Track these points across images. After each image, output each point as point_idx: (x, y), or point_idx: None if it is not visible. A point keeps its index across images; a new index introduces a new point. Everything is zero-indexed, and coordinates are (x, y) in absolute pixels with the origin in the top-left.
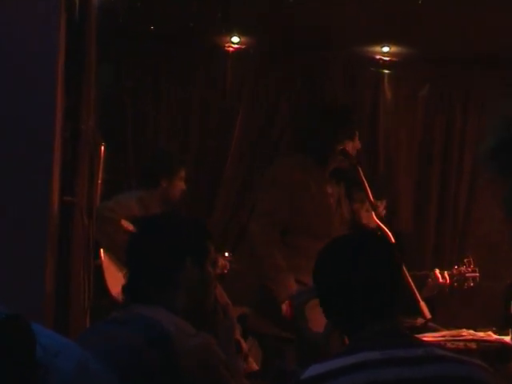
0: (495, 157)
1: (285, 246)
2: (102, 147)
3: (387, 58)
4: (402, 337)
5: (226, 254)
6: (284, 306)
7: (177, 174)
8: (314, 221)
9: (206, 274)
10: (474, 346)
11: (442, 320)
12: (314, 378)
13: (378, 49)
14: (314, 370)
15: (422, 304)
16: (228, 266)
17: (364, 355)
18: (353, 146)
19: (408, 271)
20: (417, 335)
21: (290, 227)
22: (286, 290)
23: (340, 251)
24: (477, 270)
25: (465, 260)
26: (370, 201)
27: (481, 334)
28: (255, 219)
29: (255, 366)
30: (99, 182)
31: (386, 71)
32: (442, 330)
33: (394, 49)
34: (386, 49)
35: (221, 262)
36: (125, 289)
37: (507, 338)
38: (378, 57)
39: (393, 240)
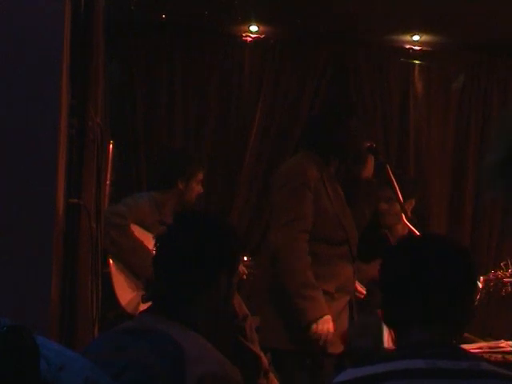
0: (506, 173)
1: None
2: (111, 145)
3: (418, 48)
4: (449, 347)
5: (245, 259)
6: (317, 326)
7: (195, 175)
8: (335, 226)
9: (232, 288)
10: None
11: (479, 330)
12: (349, 383)
13: (407, 38)
14: (350, 374)
15: None
16: (246, 272)
17: (406, 363)
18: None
19: None
20: None
21: (312, 235)
22: (319, 310)
23: (415, 248)
24: None
25: (502, 264)
26: (399, 202)
27: None
28: (278, 228)
29: (276, 383)
30: (107, 183)
31: (417, 62)
32: (478, 341)
33: (424, 37)
34: (416, 37)
35: (239, 268)
36: (148, 297)
37: None
38: (407, 46)
39: None
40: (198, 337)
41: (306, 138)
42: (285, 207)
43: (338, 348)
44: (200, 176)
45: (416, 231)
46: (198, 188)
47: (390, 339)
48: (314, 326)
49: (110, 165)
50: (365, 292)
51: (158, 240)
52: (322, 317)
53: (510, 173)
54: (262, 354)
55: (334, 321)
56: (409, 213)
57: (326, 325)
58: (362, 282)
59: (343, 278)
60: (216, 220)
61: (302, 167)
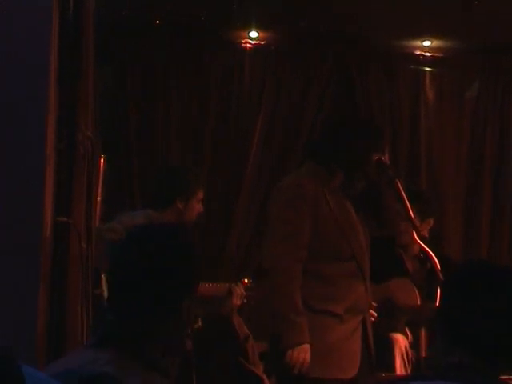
0: None
1: (305, 273)
2: (102, 160)
3: (428, 54)
4: (488, 377)
5: (246, 281)
6: (292, 353)
7: (195, 194)
8: (339, 241)
9: (190, 316)
10: None
11: None
12: None
13: (417, 43)
14: None
15: None
16: (245, 295)
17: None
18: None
19: None
20: None
21: (312, 250)
22: (298, 337)
23: (478, 277)
24: None
25: None
26: (410, 219)
27: None
28: (273, 245)
29: None
30: (98, 200)
31: (428, 69)
32: None
33: (436, 43)
34: (427, 43)
35: (238, 290)
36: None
37: None
38: (418, 52)
39: (438, 266)
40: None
41: (308, 149)
42: (280, 221)
43: (349, 372)
44: (200, 195)
45: (429, 250)
46: (198, 207)
47: (401, 366)
48: (289, 352)
49: (100, 181)
50: (376, 314)
51: (111, 262)
52: (299, 344)
53: None
54: (264, 377)
55: (342, 344)
56: (426, 232)
57: (302, 354)
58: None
59: (353, 297)
60: (176, 236)
61: (300, 179)
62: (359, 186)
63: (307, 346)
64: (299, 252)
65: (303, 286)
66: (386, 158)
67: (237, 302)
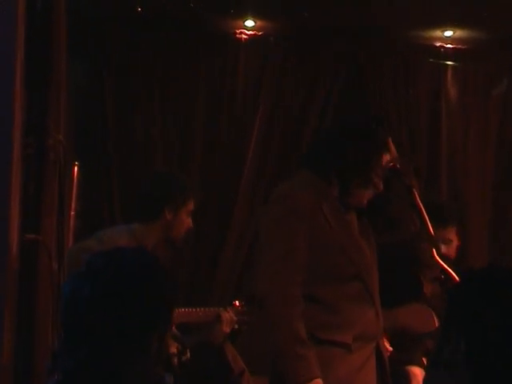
0: None
1: (304, 299)
2: (76, 168)
3: (450, 46)
4: None
5: (237, 303)
6: None
7: (185, 204)
8: (340, 260)
9: (164, 350)
10: None
11: None
12: None
13: (438, 33)
14: None
15: None
16: (236, 319)
17: None
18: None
19: None
20: None
21: (310, 272)
22: (307, 372)
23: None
24: None
25: None
26: (429, 234)
27: None
28: (265, 270)
29: None
30: (72, 213)
31: (450, 62)
32: None
33: (458, 33)
34: (448, 33)
35: (227, 316)
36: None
37: None
38: (438, 44)
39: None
40: None
41: (303, 155)
42: (271, 240)
43: None
44: (190, 206)
45: (451, 271)
46: (187, 221)
47: None
48: None
49: (74, 192)
50: (390, 347)
51: (65, 298)
52: (310, 380)
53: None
54: None
55: (354, 377)
56: (453, 250)
57: None
58: (385, 331)
59: (362, 323)
60: (144, 259)
61: (292, 191)
62: (363, 196)
63: (319, 381)
64: (296, 274)
65: (304, 315)
66: (400, 164)
67: (226, 329)
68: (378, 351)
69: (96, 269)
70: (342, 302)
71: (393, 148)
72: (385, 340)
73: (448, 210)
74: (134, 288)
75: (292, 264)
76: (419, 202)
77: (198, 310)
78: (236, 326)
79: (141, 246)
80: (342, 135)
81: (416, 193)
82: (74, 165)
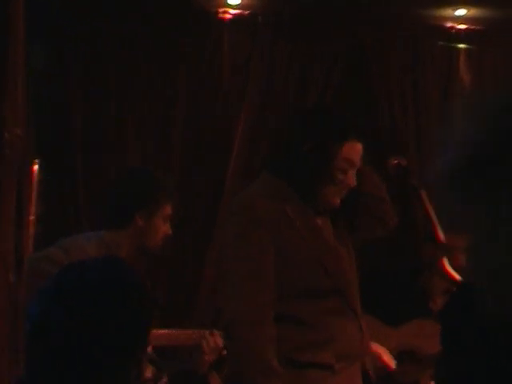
0: (472, 174)
1: (279, 320)
2: (36, 166)
3: (463, 26)
4: None
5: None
6: None
7: (160, 208)
8: (314, 272)
9: (141, 375)
10: None
11: None
12: None
13: (449, 12)
14: None
15: None
16: (221, 346)
17: None
18: (349, 154)
19: None
20: None
21: (281, 290)
22: None
23: None
24: None
25: None
26: (438, 240)
27: None
28: (228, 292)
29: None
30: (31, 218)
31: (462, 46)
32: None
33: (473, 11)
34: (460, 12)
35: (210, 342)
36: None
37: None
38: (449, 24)
39: None
40: None
41: (265, 156)
42: (234, 258)
43: None
44: (168, 210)
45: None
46: (164, 227)
47: None
48: None
49: (34, 193)
50: (394, 365)
51: (30, 321)
52: None
53: (468, 183)
54: None
55: None
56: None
57: None
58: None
59: (344, 339)
60: (122, 276)
61: (252, 200)
62: (330, 195)
63: None
64: (264, 294)
65: (279, 337)
66: (406, 163)
67: (210, 356)
68: (365, 371)
69: (68, 289)
70: (320, 318)
71: (358, 141)
72: (388, 357)
73: None
74: (112, 312)
75: (259, 283)
76: (427, 204)
77: (180, 332)
78: (224, 353)
79: (117, 257)
80: (296, 129)
81: (424, 194)
82: (34, 163)
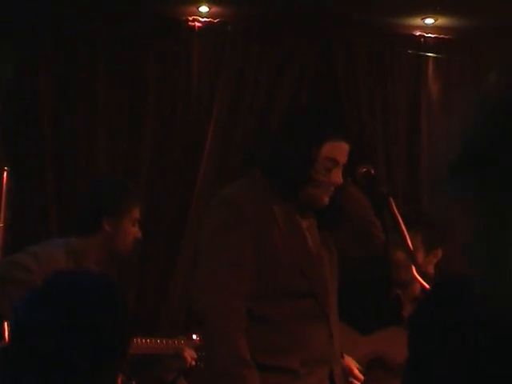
0: (472, 169)
1: (252, 320)
2: (5, 174)
3: (432, 35)
4: None
5: (194, 337)
6: None
7: (127, 212)
8: (290, 272)
9: None
10: None
11: None
12: None
13: (418, 21)
14: None
15: None
16: (195, 357)
17: None
18: (331, 153)
19: None
20: None
21: (257, 289)
22: None
23: None
24: None
25: None
26: (407, 248)
27: None
28: (204, 282)
29: None
30: (0, 225)
31: (431, 54)
32: None
33: (441, 20)
34: (429, 21)
35: (190, 353)
36: None
37: None
38: (418, 33)
39: None
40: None
41: (251, 154)
42: (213, 249)
43: None
44: (135, 213)
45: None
46: (133, 230)
47: None
48: None
49: (3, 201)
50: (362, 376)
51: (13, 327)
52: None
53: (467, 174)
54: None
55: None
56: (431, 268)
57: None
58: (359, 362)
59: (312, 344)
60: (109, 286)
61: (235, 197)
62: (314, 196)
63: None
64: (239, 286)
65: (247, 338)
66: (374, 171)
67: (186, 366)
68: (332, 379)
69: (57, 293)
70: (289, 320)
71: (340, 141)
72: (355, 368)
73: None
74: (98, 319)
75: (235, 275)
76: (397, 213)
77: (150, 341)
78: (193, 363)
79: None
80: (280, 129)
81: (392, 202)
82: (4, 170)
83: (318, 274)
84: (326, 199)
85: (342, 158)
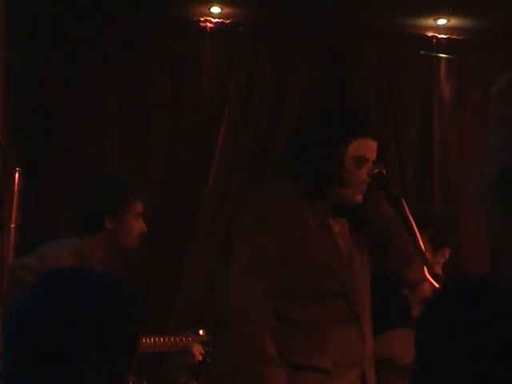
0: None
1: (282, 321)
2: (17, 175)
3: (444, 36)
4: None
5: (201, 333)
6: None
7: (130, 208)
8: (320, 274)
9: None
10: None
11: None
12: None
13: (430, 21)
14: None
15: None
16: (202, 352)
17: None
18: (359, 152)
19: None
20: None
21: (286, 290)
22: None
23: None
24: None
25: None
26: (419, 249)
27: None
28: (233, 287)
29: None
30: (12, 226)
31: (443, 55)
32: None
33: (453, 21)
34: (441, 21)
35: (198, 349)
36: None
37: None
38: (430, 34)
39: None
40: None
41: (283, 159)
42: (238, 251)
43: None
44: (138, 208)
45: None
46: (138, 224)
47: None
48: None
49: (15, 202)
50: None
51: (14, 322)
52: None
53: (508, 195)
54: None
55: None
56: (439, 268)
57: None
58: None
59: (343, 345)
60: (116, 285)
61: (263, 198)
62: (344, 197)
63: None
64: (264, 286)
65: (276, 339)
66: (386, 172)
67: (198, 358)
68: (364, 380)
69: (63, 289)
70: (320, 322)
71: (367, 140)
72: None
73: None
74: (105, 317)
75: (260, 275)
76: (408, 213)
77: (159, 339)
78: (200, 359)
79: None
80: (307, 132)
81: (404, 203)
82: (16, 171)
83: (349, 275)
84: (359, 197)
85: (371, 155)
